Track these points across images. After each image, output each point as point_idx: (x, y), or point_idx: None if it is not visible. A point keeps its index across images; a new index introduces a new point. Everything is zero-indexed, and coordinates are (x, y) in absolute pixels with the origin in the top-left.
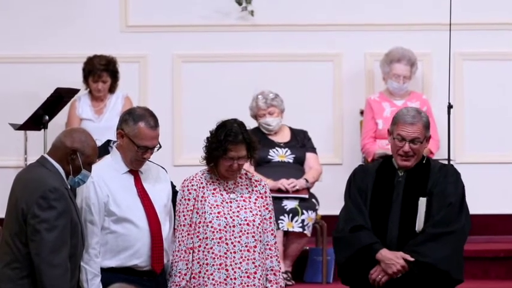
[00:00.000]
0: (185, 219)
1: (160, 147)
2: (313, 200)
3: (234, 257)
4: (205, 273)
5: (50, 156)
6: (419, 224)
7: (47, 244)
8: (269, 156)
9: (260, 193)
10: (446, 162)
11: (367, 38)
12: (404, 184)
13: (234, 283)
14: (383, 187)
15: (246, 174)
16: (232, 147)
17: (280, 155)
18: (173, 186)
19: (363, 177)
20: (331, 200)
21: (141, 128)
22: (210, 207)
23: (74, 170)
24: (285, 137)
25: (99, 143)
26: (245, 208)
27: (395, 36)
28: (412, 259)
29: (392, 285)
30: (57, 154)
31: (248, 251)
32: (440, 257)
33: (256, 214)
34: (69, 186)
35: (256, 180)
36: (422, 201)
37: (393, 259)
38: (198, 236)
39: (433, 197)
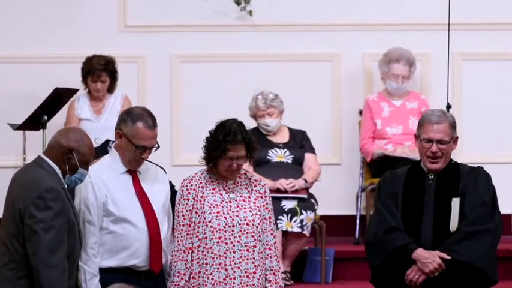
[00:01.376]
0: (184, 219)
1: (158, 147)
2: (312, 200)
3: (234, 257)
4: (204, 273)
5: (46, 156)
6: (454, 223)
7: (44, 244)
8: (268, 157)
9: (260, 193)
10: None
11: (365, 38)
12: (436, 186)
13: (234, 283)
14: (414, 191)
15: (245, 174)
16: (231, 147)
17: (279, 155)
18: (172, 186)
19: (393, 182)
20: (329, 200)
21: (139, 128)
22: (210, 207)
23: (70, 169)
24: (283, 137)
25: (100, 142)
26: (244, 208)
27: (394, 36)
28: (448, 257)
29: (429, 285)
30: (53, 154)
31: (247, 250)
32: (477, 255)
33: (256, 214)
34: (66, 186)
35: (255, 180)
36: (456, 201)
37: (430, 258)
38: (197, 236)
39: (465, 197)
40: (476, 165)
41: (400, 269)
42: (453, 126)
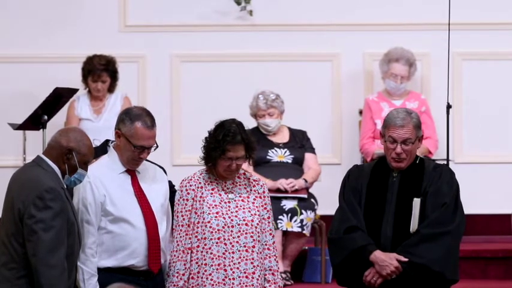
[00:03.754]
0: (183, 219)
1: (157, 147)
2: (312, 200)
3: (233, 257)
4: (203, 274)
5: (45, 156)
6: (414, 224)
7: (43, 244)
8: (268, 157)
9: (258, 193)
10: (445, 162)
11: (366, 37)
12: (399, 185)
13: (233, 283)
14: (377, 187)
15: (244, 174)
16: (230, 147)
17: (279, 155)
18: (172, 186)
19: (357, 177)
20: (329, 200)
21: (138, 128)
22: (209, 207)
23: (69, 169)
24: (284, 137)
25: (97, 143)
26: (243, 208)
27: (394, 36)
28: (405, 259)
29: (387, 287)
30: (53, 154)
31: (246, 251)
32: (434, 258)
33: (255, 214)
34: (65, 186)
35: (254, 180)
36: (416, 202)
37: (387, 261)
38: (196, 236)
39: (427, 197)
40: (474, 165)
41: (359, 269)
42: (417, 126)
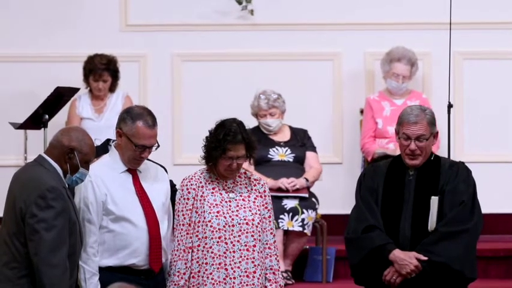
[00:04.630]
0: (184, 218)
1: (158, 146)
2: (313, 199)
3: (234, 256)
4: (204, 273)
5: (47, 155)
6: (432, 223)
7: (45, 244)
8: (269, 156)
9: (259, 192)
10: None
11: (367, 37)
12: (415, 183)
13: (234, 282)
14: (394, 186)
15: (245, 173)
16: (231, 146)
17: (280, 154)
18: (173, 185)
19: (373, 176)
20: (331, 199)
21: (139, 127)
22: (209, 207)
23: (71, 168)
24: (285, 136)
25: (98, 142)
26: (244, 207)
27: (395, 35)
28: (425, 258)
29: (407, 285)
30: (55, 153)
31: (247, 250)
32: (454, 256)
33: (256, 213)
34: (67, 185)
35: (255, 179)
36: (434, 200)
37: (406, 259)
38: (197, 236)
39: (444, 195)
40: (474, 163)
41: (377, 268)
42: (432, 122)
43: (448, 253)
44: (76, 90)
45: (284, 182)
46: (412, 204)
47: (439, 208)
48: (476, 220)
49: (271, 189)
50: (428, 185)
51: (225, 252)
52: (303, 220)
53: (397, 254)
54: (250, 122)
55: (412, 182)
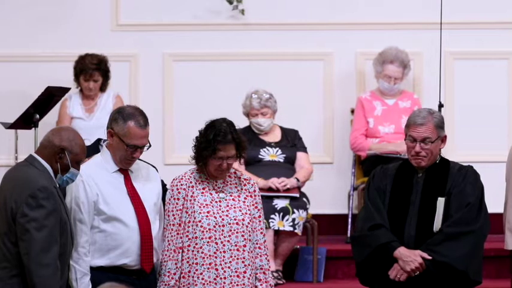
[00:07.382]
0: (174, 218)
1: (150, 146)
2: (304, 199)
3: (224, 256)
4: (194, 273)
5: (38, 155)
6: (437, 223)
7: (36, 243)
8: (260, 156)
9: (249, 192)
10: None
11: (358, 37)
12: (423, 184)
13: (224, 282)
14: (402, 187)
15: (235, 173)
16: (221, 147)
17: (271, 154)
18: (164, 185)
19: (382, 178)
20: (321, 199)
21: (131, 127)
22: (200, 207)
23: (62, 168)
24: (275, 136)
25: (89, 142)
26: (234, 207)
27: (386, 35)
28: (429, 257)
29: (410, 284)
30: (46, 153)
31: (238, 250)
32: (458, 256)
33: (246, 213)
34: (57, 185)
35: (245, 179)
36: (441, 201)
37: (411, 256)
38: (187, 236)
39: (451, 197)
40: (467, 164)
41: (382, 266)
42: (439, 126)
43: (451, 253)
44: (67, 89)
45: (275, 182)
46: (419, 205)
47: (445, 209)
48: (483, 222)
49: (262, 189)
50: (435, 186)
51: (215, 252)
52: (293, 220)
53: (402, 251)
54: (241, 122)
55: (419, 184)
